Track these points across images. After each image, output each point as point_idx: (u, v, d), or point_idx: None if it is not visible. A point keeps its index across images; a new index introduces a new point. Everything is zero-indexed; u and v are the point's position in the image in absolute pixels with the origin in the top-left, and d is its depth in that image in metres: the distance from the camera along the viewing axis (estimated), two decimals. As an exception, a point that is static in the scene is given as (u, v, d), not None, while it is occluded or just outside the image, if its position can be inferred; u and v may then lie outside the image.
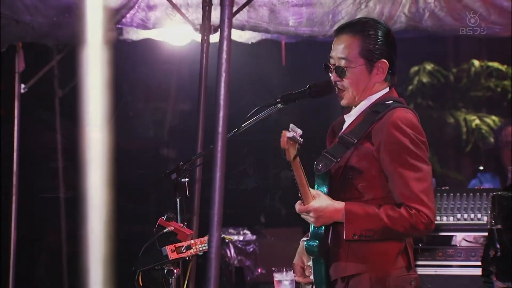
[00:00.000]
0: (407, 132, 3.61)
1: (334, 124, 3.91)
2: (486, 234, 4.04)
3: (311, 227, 3.75)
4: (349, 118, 3.81)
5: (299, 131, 3.43)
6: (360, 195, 3.66)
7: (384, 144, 3.61)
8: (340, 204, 3.63)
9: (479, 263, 4.05)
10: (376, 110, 3.70)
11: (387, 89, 3.79)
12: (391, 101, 3.73)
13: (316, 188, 3.73)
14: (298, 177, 3.56)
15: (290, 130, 3.40)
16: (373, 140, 3.64)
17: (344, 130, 3.78)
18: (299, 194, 3.63)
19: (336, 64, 3.75)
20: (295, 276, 3.90)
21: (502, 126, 7.28)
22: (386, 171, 3.62)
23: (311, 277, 3.79)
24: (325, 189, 3.72)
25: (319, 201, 3.63)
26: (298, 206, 3.67)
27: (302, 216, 3.70)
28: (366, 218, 3.59)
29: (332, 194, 3.69)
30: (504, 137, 6.61)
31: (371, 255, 3.64)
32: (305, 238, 3.81)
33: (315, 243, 3.69)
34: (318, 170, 3.68)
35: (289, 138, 3.39)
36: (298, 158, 3.50)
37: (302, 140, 3.44)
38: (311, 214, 3.64)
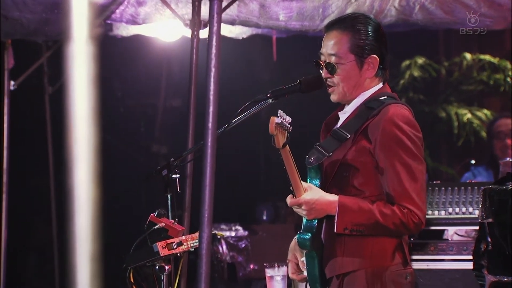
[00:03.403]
0: (404, 129, 3.60)
1: (328, 121, 3.90)
2: (477, 228, 4.04)
3: (304, 221, 3.73)
4: (343, 115, 3.80)
5: (288, 118, 3.42)
6: (358, 192, 3.65)
7: (380, 140, 3.60)
8: (333, 197, 3.62)
9: (470, 257, 4.04)
10: (371, 106, 3.69)
11: (380, 85, 3.78)
12: (385, 97, 3.73)
13: (308, 181, 3.71)
14: (288, 167, 3.55)
15: (278, 116, 3.38)
16: (370, 137, 3.64)
17: (338, 126, 3.78)
18: (291, 187, 3.62)
19: (327, 61, 3.75)
20: (291, 274, 3.88)
21: (495, 118, 7.33)
22: (380, 166, 3.61)
23: (305, 273, 3.78)
24: (318, 183, 3.71)
25: (310, 193, 3.62)
26: (289, 199, 3.66)
27: (294, 209, 3.69)
28: (358, 213, 3.58)
29: (327, 191, 3.68)
30: (496, 128, 6.65)
31: (367, 251, 3.63)
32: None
33: (308, 236, 3.67)
34: (309, 163, 3.67)
35: (277, 124, 3.37)
36: (287, 147, 3.49)
37: (291, 128, 3.43)
38: (302, 207, 3.62)
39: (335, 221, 3.60)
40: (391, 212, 3.56)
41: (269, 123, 3.36)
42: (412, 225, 3.57)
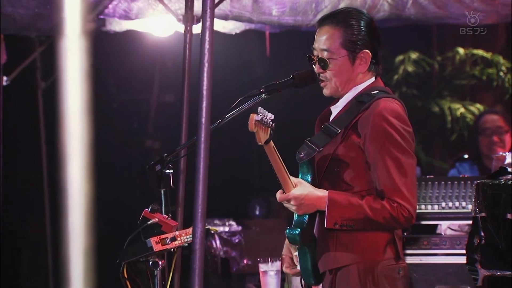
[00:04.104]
0: (393, 123, 3.60)
1: (322, 116, 3.90)
2: (470, 222, 4.04)
3: (295, 216, 3.73)
4: (335, 109, 3.80)
5: (270, 115, 3.42)
6: (348, 187, 3.65)
7: (369, 135, 3.61)
8: (322, 192, 3.62)
9: (464, 252, 4.05)
10: (362, 101, 3.69)
11: (373, 79, 3.78)
12: (377, 91, 3.73)
13: (300, 177, 3.72)
14: (274, 163, 3.55)
15: (258, 113, 3.39)
16: (360, 131, 3.64)
17: (329, 121, 3.78)
18: (279, 183, 3.62)
19: (319, 56, 3.75)
20: (285, 268, 3.88)
21: (481, 114, 7.33)
22: (370, 161, 3.62)
23: (299, 267, 3.78)
24: (309, 178, 3.71)
25: (300, 188, 3.62)
26: (279, 194, 3.66)
27: (284, 205, 3.69)
28: (348, 208, 3.58)
29: (318, 186, 3.68)
30: (482, 124, 6.65)
31: (359, 246, 3.63)
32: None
33: (297, 231, 3.67)
34: (300, 159, 3.67)
35: (257, 121, 3.38)
36: (271, 143, 3.49)
37: (273, 125, 3.43)
38: (292, 202, 3.63)
39: (325, 216, 3.61)
40: (381, 206, 3.57)
41: (249, 120, 3.38)
42: (402, 219, 3.57)
